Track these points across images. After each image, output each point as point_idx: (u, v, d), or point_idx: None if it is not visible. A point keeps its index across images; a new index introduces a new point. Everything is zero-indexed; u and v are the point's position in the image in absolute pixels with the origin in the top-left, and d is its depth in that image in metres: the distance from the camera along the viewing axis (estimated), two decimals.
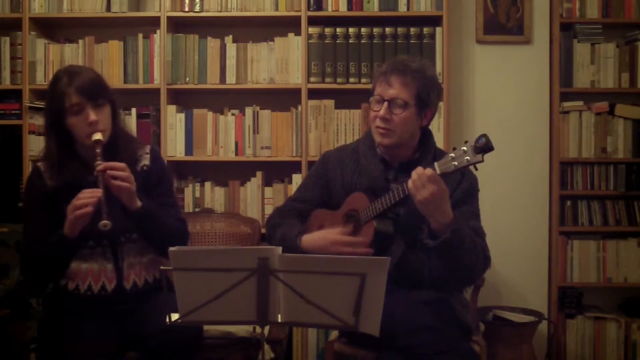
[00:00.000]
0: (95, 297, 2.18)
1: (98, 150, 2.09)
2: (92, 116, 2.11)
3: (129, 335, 2.15)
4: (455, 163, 1.94)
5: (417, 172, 1.98)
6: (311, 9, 3.26)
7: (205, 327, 2.28)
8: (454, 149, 1.96)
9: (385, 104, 2.18)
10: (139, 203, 2.12)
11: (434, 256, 2.13)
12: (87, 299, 2.18)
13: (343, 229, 2.23)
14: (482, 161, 1.91)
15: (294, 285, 1.65)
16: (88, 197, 2.02)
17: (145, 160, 2.29)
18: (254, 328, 2.56)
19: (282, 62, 3.31)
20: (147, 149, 2.34)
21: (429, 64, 2.30)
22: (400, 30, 3.26)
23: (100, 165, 2.06)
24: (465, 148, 1.92)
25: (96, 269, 2.18)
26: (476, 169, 2.02)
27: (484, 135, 1.90)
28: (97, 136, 2.11)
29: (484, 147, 1.89)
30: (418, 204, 2.00)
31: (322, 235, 2.23)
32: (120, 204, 2.09)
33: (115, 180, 2.06)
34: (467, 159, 1.92)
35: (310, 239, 2.25)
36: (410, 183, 1.99)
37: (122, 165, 2.10)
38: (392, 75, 2.17)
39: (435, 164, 1.99)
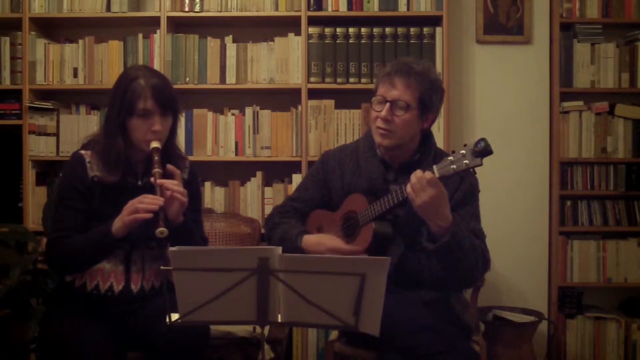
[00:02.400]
0: (101, 297, 2.18)
1: (157, 158, 2.11)
2: (158, 125, 2.13)
3: (131, 336, 2.16)
4: (454, 166, 1.93)
5: (417, 176, 1.98)
6: (311, 9, 3.27)
7: None
8: (453, 152, 1.96)
9: (387, 105, 2.17)
10: (182, 217, 2.12)
11: (434, 258, 2.13)
12: (92, 298, 2.18)
13: (342, 238, 2.25)
14: (481, 165, 1.91)
15: (294, 285, 1.65)
16: (151, 202, 2.03)
17: (184, 174, 2.29)
18: (254, 328, 2.56)
19: (282, 62, 3.31)
20: (187, 163, 2.35)
21: (433, 67, 2.29)
22: (400, 30, 3.27)
23: (158, 173, 2.08)
24: (464, 151, 1.92)
25: (107, 269, 2.18)
26: (475, 173, 2.02)
27: (483, 139, 1.89)
28: (156, 144, 2.13)
29: (483, 151, 1.89)
30: (417, 208, 1.99)
31: (321, 240, 2.24)
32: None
33: (174, 193, 2.06)
34: (465, 163, 1.91)
35: (309, 241, 2.25)
36: (409, 187, 1.99)
37: (177, 173, 2.12)
38: (395, 76, 2.17)
39: (434, 167, 1.98)
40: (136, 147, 2.17)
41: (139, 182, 2.20)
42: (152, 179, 2.09)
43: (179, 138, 3.23)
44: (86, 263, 2.16)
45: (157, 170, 2.09)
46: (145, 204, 2.03)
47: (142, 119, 2.13)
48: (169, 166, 2.13)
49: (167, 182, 2.08)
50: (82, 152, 2.22)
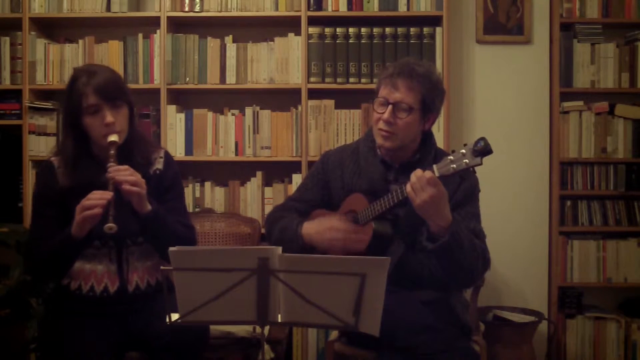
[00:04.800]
0: (97, 298, 2.18)
1: (112, 152, 2.08)
2: (109, 117, 2.10)
3: (130, 336, 2.16)
4: (454, 166, 1.93)
5: (416, 175, 1.97)
6: (311, 9, 3.27)
7: None
8: (453, 151, 1.96)
9: (390, 107, 2.16)
10: (149, 207, 2.10)
11: (434, 258, 2.13)
12: (89, 299, 2.18)
13: (342, 217, 2.24)
14: (481, 164, 1.91)
15: (294, 285, 1.65)
16: (98, 198, 2.00)
17: (159, 164, 2.28)
18: (254, 328, 2.55)
19: (282, 62, 3.31)
20: (162, 152, 2.33)
21: (434, 68, 2.29)
22: (400, 30, 3.27)
23: (111, 167, 2.05)
24: (464, 151, 1.92)
25: (100, 270, 2.18)
26: (475, 172, 2.02)
27: (483, 139, 1.89)
28: (113, 137, 2.10)
29: (482, 150, 1.88)
30: (417, 208, 1.99)
31: (321, 221, 2.24)
32: (130, 206, 2.08)
33: (125, 185, 2.03)
34: (465, 162, 1.91)
35: (310, 224, 2.25)
36: (409, 186, 1.99)
37: (127, 168, 2.08)
38: (398, 78, 2.16)
39: (434, 166, 1.98)
40: (100, 146, 2.15)
41: None
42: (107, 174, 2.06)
43: (179, 138, 3.30)
44: (60, 267, 2.15)
45: (111, 164, 2.06)
46: (92, 200, 2.00)
47: (93, 116, 2.11)
48: (119, 167, 2.07)
49: (119, 174, 2.03)
50: (52, 158, 2.22)
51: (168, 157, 2.34)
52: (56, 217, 2.14)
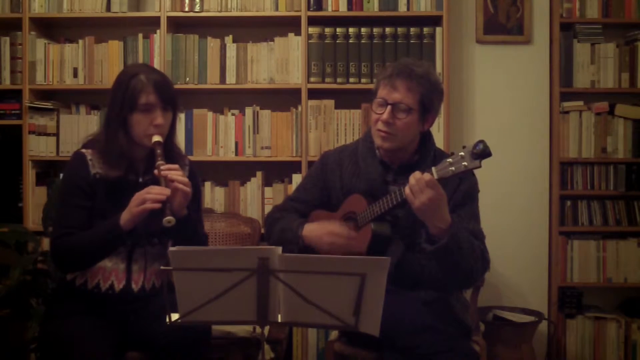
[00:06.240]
0: (102, 295, 2.18)
1: (159, 151, 2.12)
2: (160, 119, 2.14)
3: (131, 336, 2.16)
4: (453, 168, 1.93)
5: (415, 177, 1.97)
6: (311, 9, 3.27)
7: None
8: (452, 153, 1.96)
9: (389, 107, 2.16)
10: (185, 210, 2.13)
11: (433, 259, 2.13)
12: (93, 296, 2.18)
13: (343, 223, 2.24)
14: (480, 167, 1.91)
15: (294, 285, 1.65)
16: (158, 192, 2.04)
17: (185, 172, 2.28)
18: (254, 328, 2.55)
19: (282, 62, 3.31)
20: (187, 161, 2.36)
21: (433, 68, 2.29)
22: (400, 30, 3.27)
23: (164, 165, 2.09)
24: (463, 153, 1.92)
25: (108, 267, 2.19)
26: (474, 173, 2.02)
27: (482, 141, 1.89)
28: (158, 138, 2.14)
29: (481, 153, 1.88)
30: (416, 210, 1.99)
31: (322, 224, 2.24)
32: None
33: (177, 184, 2.07)
34: (464, 165, 1.91)
35: (310, 227, 2.24)
36: (407, 189, 1.99)
37: (177, 167, 2.13)
38: (397, 79, 2.16)
39: (433, 168, 1.98)
40: (137, 144, 2.18)
41: (140, 180, 2.21)
42: (155, 171, 2.10)
43: (179, 138, 3.28)
44: (93, 259, 2.16)
45: (160, 162, 2.10)
46: (153, 194, 2.04)
47: (144, 114, 2.14)
48: (171, 165, 2.13)
49: (172, 173, 2.08)
50: (84, 150, 2.23)
51: (192, 166, 2.38)
52: (87, 207, 2.16)
